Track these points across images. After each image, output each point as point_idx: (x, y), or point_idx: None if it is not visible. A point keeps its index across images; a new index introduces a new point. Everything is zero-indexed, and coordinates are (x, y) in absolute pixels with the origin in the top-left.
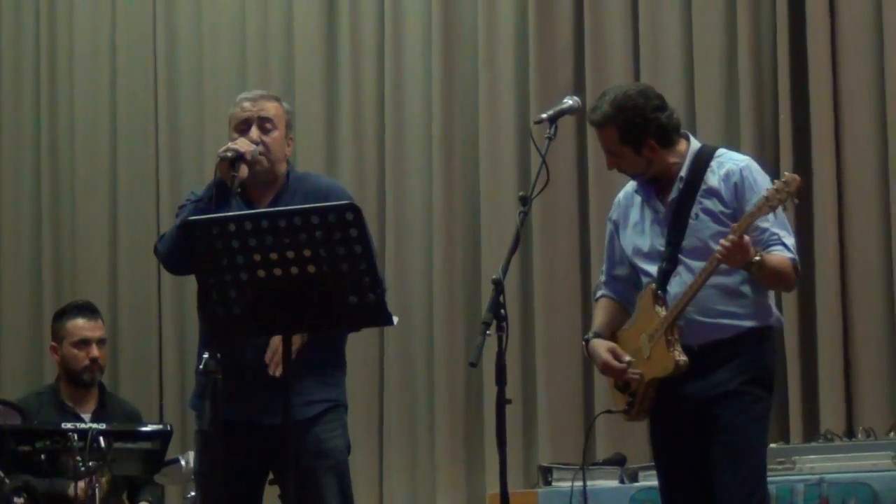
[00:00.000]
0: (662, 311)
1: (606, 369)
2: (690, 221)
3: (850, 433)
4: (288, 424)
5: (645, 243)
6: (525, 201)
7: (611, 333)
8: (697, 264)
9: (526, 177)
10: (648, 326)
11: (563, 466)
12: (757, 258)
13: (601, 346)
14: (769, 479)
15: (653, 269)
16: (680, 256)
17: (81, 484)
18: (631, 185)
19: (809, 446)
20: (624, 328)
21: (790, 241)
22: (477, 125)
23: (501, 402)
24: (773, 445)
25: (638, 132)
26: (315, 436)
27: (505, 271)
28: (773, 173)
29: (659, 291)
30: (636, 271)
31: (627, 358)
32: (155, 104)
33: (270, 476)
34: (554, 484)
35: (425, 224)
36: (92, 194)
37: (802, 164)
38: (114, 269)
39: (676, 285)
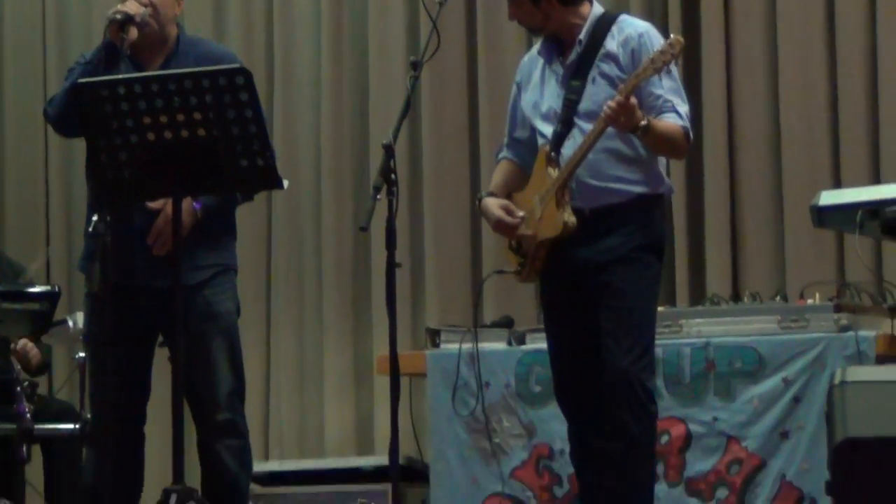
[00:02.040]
0: (554, 173)
1: (499, 226)
2: (587, 85)
3: (735, 297)
4: (177, 288)
5: (543, 103)
6: (416, 66)
7: (507, 195)
8: (591, 126)
9: (415, 41)
10: (541, 188)
11: (452, 329)
12: (644, 122)
13: (494, 204)
14: (657, 342)
15: (549, 130)
16: (575, 119)
17: None
18: (536, 47)
19: (696, 310)
20: (520, 191)
21: (683, 108)
22: None
23: (391, 266)
24: (660, 309)
25: None
26: (204, 298)
27: (395, 136)
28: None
29: (552, 153)
30: (536, 135)
31: (521, 213)
32: None
33: (161, 339)
34: (442, 346)
35: (313, 88)
36: None
37: (691, 28)
38: (0, 132)
39: (569, 147)
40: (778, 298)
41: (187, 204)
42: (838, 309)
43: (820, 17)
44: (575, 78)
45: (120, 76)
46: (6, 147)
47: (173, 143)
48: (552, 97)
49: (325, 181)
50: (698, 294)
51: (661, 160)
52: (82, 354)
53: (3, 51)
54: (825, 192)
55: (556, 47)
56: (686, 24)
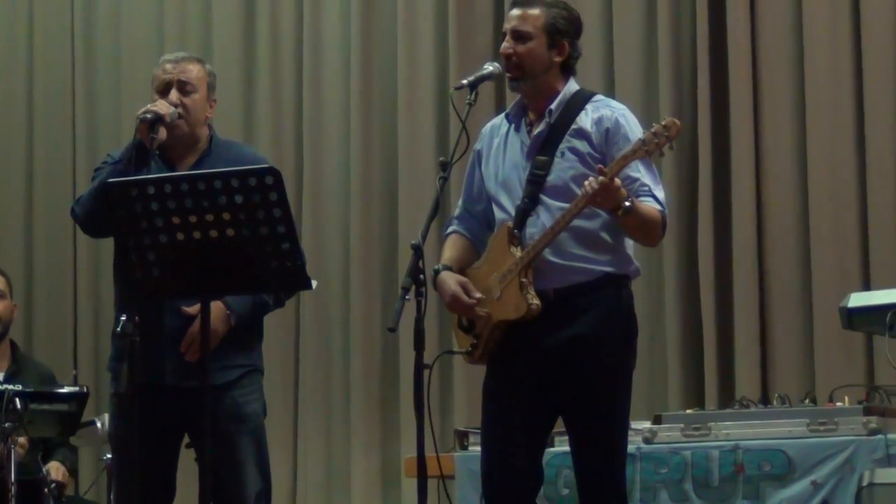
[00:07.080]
0: (517, 252)
1: (454, 303)
2: (556, 159)
3: (765, 400)
4: (205, 389)
5: (505, 173)
6: (445, 167)
7: (459, 271)
8: (557, 204)
9: (444, 142)
10: (501, 266)
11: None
12: (627, 203)
13: (451, 279)
14: (686, 444)
15: (510, 204)
16: (540, 195)
17: None
18: (499, 117)
19: (725, 413)
20: (474, 267)
21: (660, 193)
22: (395, 89)
23: (419, 367)
24: (688, 411)
25: (561, 29)
26: (233, 400)
27: (424, 237)
28: (691, 142)
29: (515, 231)
30: (491, 208)
31: (478, 294)
32: (72, 66)
33: (187, 439)
34: (471, 448)
35: (343, 188)
36: (7, 156)
37: (720, 133)
38: (29, 232)
39: (533, 225)
40: (807, 401)
41: (222, 312)
42: (868, 412)
43: (849, 118)
44: (542, 152)
45: (150, 176)
46: (35, 247)
47: (202, 243)
48: (513, 167)
49: (354, 281)
50: (727, 397)
51: (629, 242)
52: (109, 455)
53: (33, 150)
54: (854, 294)
55: (525, 115)
56: (714, 129)
